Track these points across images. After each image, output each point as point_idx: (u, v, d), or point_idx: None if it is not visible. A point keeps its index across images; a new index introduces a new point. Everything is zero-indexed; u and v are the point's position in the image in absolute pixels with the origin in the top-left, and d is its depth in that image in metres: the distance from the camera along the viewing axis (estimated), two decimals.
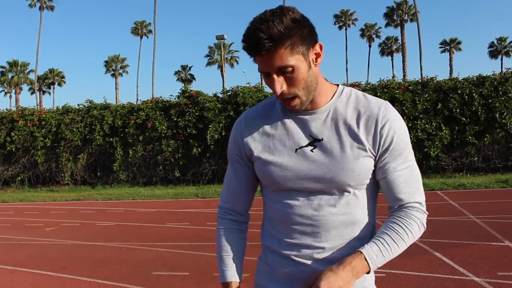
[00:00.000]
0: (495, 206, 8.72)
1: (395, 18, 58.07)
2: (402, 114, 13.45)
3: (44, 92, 70.56)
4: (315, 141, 1.44)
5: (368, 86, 14.62)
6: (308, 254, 1.45)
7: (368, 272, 1.34)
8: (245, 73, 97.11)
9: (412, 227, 1.40)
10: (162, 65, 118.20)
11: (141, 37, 61.52)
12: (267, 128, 1.51)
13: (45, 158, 16.70)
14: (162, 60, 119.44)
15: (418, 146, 13.39)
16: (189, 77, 68.42)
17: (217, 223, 1.68)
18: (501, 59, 64.23)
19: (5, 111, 17.81)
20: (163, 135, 15.34)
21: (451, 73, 56.06)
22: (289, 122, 1.48)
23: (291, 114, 1.48)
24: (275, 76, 1.35)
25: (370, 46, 66.53)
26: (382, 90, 14.00)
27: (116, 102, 18.85)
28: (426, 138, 13.42)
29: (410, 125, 13.37)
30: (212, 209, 10.40)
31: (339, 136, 1.42)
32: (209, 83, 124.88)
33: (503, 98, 13.32)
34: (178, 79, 68.78)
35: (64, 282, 5.40)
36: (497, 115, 13.25)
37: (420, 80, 14.85)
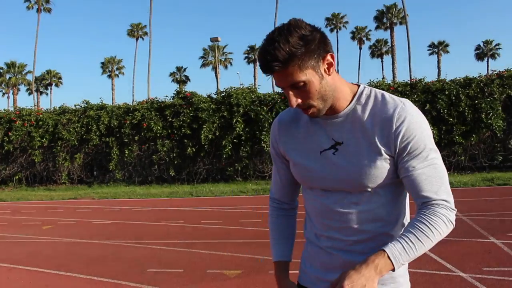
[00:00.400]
0: (481, 204, 8.87)
1: (384, 21, 58.21)
2: None
3: (41, 92, 70.36)
4: (336, 145, 1.50)
5: None
6: (339, 246, 1.54)
7: (393, 270, 1.35)
8: (238, 75, 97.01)
9: (438, 224, 1.39)
10: (158, 66, 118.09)
11: (137, 39, 61.43)
12: (296, 131, 1.60)
13: (42, 158, 16.77)
14: (158, 61, 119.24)
15: None
16: (184, 78, 68.46)
17: (268, 210, 1.85)
18: (487, 61, 64.67)
19: (3, 111, 17.88)
20: (158, 135, 15.44)
21: (439, 74, 56.31)
22: (314, 126, 1.56)
23: (316, 119, 1.55)
24: (289, 91, 1.41)
25: (360, 48, 66.75)
26: None
27: (112, 103, 18.95)
28: None
29: None
30: (206, 208, 10.53)
31: (356, 139, 1.47)
32: (203, 84, 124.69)
33: (488, 99, 13.50)
34: (173, 80, 68.82)
35: (61, 279, 5.48)
36: (483, 115, 13.44)
37: (409, 81, 15.04)
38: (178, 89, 16.60)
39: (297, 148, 1.59)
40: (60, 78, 70.91)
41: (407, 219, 1.58)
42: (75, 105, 17.19)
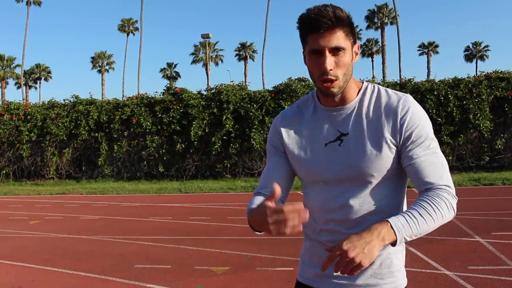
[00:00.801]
0: (468, 203, 8.94)
1: (375, 21, 58.36)
2: None
3: (30, 86, 69.79)
4: (342, 136, 1.54)
5: None
6: (339, 240, 1.50)
7: (395, 242, 1.35)
8: (229, 72, 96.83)
9: (441, 206, 1.42)
10: (148, 62, 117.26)
11: (128, 34, 61.08)
12: (299, 126, 1.63)
13: (30, 152, 16.67)
14: (148, 57, 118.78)
15: None
16: (174, 74, 68.27)
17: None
18: (476, 62, 65.20)
19: None
20: (147, 131, 15.42)
21: (428, 75, 56.56)
22: (319, 118, 1.60)
23: (321, 111, 1.60)
24: (328, 54, 1.45)
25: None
26: None
27: (102, 98, 18.87)
28: None
29: None
30: (194, 204, 10.53)
31: (362, 130, 1.52)
32: (194, 80, 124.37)
33: (476, 100, 13.65)
34: (163, 76, 68.61)
35: (47, 275, 5.46)
36: (471, 116, 13.59)
37: (398, 81, 15.19)
38: (168, 85, 16.59)
39: (301, 142, 1.61)
40: (49, 72, 70.38)
41: None
42: (64, 100, 17.12)
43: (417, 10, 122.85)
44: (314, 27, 1.44)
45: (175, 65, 68.79)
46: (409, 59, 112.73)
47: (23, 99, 21.94)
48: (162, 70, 68.92)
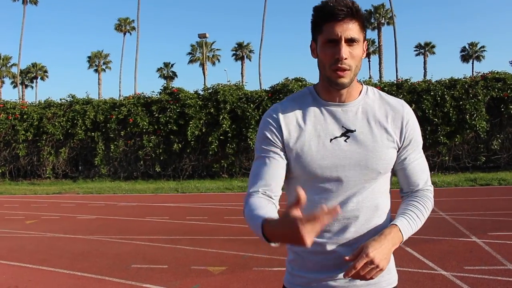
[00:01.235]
0: (464, 203, 8.99)
1: (372, 21, 58.41)
2: None
3: (26, 86, 69.66)
4: (348, 132, 1.54)
5: None
6: (337, 240, 1.53)
7: (401, 242, 1.48)
8: (226, 71, 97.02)
9: (428, 205, 1.60)
10: (145, 62, 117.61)
11: (125, 34, 61.02)
12: (299, 119, 1.58)
13: (27, 152, 16.62)
14: (145, 57, 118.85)
15: None
16: (171, 74, 68.27)
17: (244, 203, 1.58)
18: (472, 63, 65.44)
19: None
20: (144, 130, 15.39)
21: (425, 75, 56.64)
22: (321, 114, 1.57)
23: (322, 106, 1.58)
24: (344, 43, 1.46)
25: None
26: None
27: (99, 97, 18.88)
28: None
29: None
30: (191, 204, 10.53)
31: (371, 128, 1.55)
32: (190, 80, 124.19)
33: (473, 101, 13.67)
34: (160, 76, 68.60)
35: (44, 275, 5.45)
36: (467, 116, 13.60)
37: (395, 81, 15.19)
38: (165, 85, 16.55)
39: (303, 137, 1.55)
40: (45, 71, 70.27)
41: (390, 214, 1.63)
42: (60, 99, 17.08)
43: (413, 11, 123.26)
44: (333, 14, 1.45)
45: (172, 65, 68.91)
46: (405, 60, 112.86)
47: (19, 98, 21.88)
48: (159, 69, 68.97)
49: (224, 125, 14.56)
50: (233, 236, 7.09)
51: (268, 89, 15.35)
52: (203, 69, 57.75)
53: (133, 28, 59.38)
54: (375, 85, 14.54)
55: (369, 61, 66.53)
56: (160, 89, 16.17)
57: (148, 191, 13.04)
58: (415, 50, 65.49)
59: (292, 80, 15.25)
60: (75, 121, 16.05)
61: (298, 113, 1.59)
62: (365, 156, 1.52)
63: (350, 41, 1.47)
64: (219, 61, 68.03)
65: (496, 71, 14.53)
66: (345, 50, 1.45)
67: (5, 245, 7.05)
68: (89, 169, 16.70)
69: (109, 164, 16.24)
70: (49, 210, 10.39)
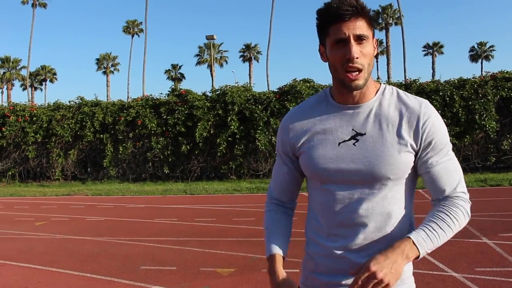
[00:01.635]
0: (474, 204, 8.75)
1: (380, 21, 58.21)
2: None
3: (35, 88, 70.04)
4: (357, 135, 1.49)
5: None
6: (347, 246, 1.50)
7: (418, 257, 1.38)
8: (233, 73, 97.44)
9: (458, 215, 1.45)
10: (153, 63, 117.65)
11: (133, 36, 61.23)
12: (311, 123, 1.57)
13: (36, 154, 16.73)
14: (153, 59, 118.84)
15: None
16: (179, 76, 68.43)
17: (265, 207, 1.78)
18: (481, 62, 64.97)
19: None
20: (152, 132, 15.44)
21: (433, 75, 56.37)
22: (333, 117, 1.54)
23: (334, 109, 1.55)
24: (353, 41, 1.42)
25: None
26: None
27: (107, 99, 18.96)
28: None
29: None
30: (199, 205, 10.53)
31: (382, 131, 1.47)
32: (198, 82, 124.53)
33: (482, 101, 13.60)
34: (168, 78, 68.75)
35: (53, 276, 5.47)
36: (476, 116, 13.54)
37: (403, 82, 15.15)
38: (173, 87, 16.61)
39: (313, 140, 1.55)
40: (54, 73, 70.64)
41: (414, 223, 1.57)
42: (69, 101, 17.19)
43: (421, 11, 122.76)
44: (338, 15, 1.42)
45: (180, 67, 69.01)
46: (414, 60, 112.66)
47: (28, 101, 22.01)
48: (166, 71, 69.11)
49: (232, 127, 14.56)
50: (242, 237, 7.08)
51: (276, 90, 15.34)
52: (211, 70, 57.80)
53: (141, 30, 59.67)
54: None
55: (377, 61, 66.34)
56: (168, 91, 16.26)
57: (157, 193, 13.06)
58: (423, 50, 65.23)
59: (300, 81, 15.23)
60: (84, 123, 16.14)
61: (310, 116, 1.59)
62: (373, 161, 1.46)
63: (360, 39, 1.43)
64: (226, 62, 68.13)
65: (505, 71, 14.44)
66: (355, 49, 1.42)
67: (15, 246, 7.07)
68: (98, 171, 16.77)
69: (118, 165, 16.30)
70: (59, 211, 10.43)
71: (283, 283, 1.53)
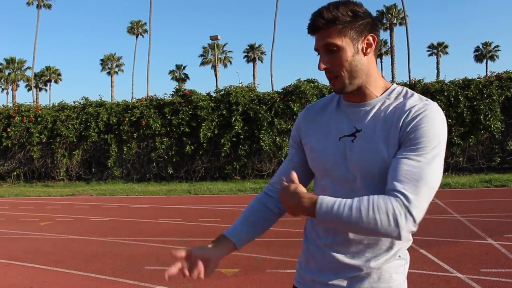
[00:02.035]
0: (479, 205, 8.89)
1: (384, 21, 58.14)
2: None
3: (40, 89, 70.35)
4: (356, 132, 1.51)
5: None
6: (338, 244, 1.52)
7: (314, 217, 1.38)
8: (238, 73, 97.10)
9: (379, 211, 1.30)
10: (157, 64, 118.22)
11: (137, 37, 61.41)
12: (320, 118, 1.63)
13: (41, 154, 16.78)
14: (157, 59, 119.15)
15: None
16: (183, 76, 68.57)
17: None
18: (486, 63, 64.82)
19: (2, 107, 17.90)
20: (157, 132, 15.45)
21: (438, 75, 56.29)
22: (339, 113, 1.58)
23: (342, 107, 1.59)
24: (323, 53, 1.47)
25: None
26: None
27: (111, 100, 19.00)
28: None
29: None
30: (204, 206, 10.53)
31: (375, 129, 1.47)
32: (202, 82, 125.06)
33: (487, 101, 13.54)
34: (172, 78, 68.91)
35: (58, 276, 5.48)
36: (481, 117, 13.47)
37: (408, 82, 15.12)
38: (177, 87, 16.63)
39: (317, 133, 1.61)
40: (59, 74, 70.89)
41: None
42: (74, 102, 17.23)
43: (426, 11, 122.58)
44: (311, 27, 1.47)
45: (184, 67, 69.14)
46: (418, 60, 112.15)
47: (33, 101, 22.08)
48: (171, 72, 69.27)
49: (236, 127, 14.56)
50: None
51: (280, 90, 15.32)
52: (215, 71, 57.93)
53: (145, 31, 59.78)
54: None
55: (381, 61, 66.27)
56: (173, 91, 16.27)
57: (161, 193, 13.08)
58: (427, 50, 65.13)
59: (305, 81, 15.21)
60: (88, 124, 16.17)
61: (321, 112, 1.65)
62: (363, 158, 1.46)
63: (328, 48, 1.46)
64: (231, 63, 68.13)
65: (511, 71, 14.36)
66: (323, 59, 1.47)
67: (19, 246, 7.10)
68: (102, 171, 16.81)
69: (122, 166, 16.32)
70: (63, 212, 10.46)
71: (195, 248, 1.63)
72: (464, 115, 13.54)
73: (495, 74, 14.55)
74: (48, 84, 70.59)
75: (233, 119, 14.63)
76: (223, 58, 66.36)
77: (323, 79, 15.80)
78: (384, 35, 61.33)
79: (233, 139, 14.75)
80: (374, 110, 1.50)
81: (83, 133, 16.27)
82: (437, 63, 64.20)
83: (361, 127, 1.50)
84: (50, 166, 16.97)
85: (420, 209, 1.31)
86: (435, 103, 1.45)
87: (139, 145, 15.91)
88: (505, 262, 5.20)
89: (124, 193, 13.43)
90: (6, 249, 6.91)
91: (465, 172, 13.86)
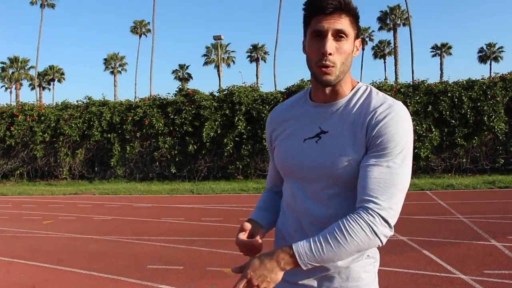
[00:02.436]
0: (482, 206, 8.86)
1: (388, 22, 58.15)
2: None
3: (44, 88, 70.49)
4: (321, 133, 1.48)
5: None
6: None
7: (299, 266, 1.35)
8: (241, 73, 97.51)
9: (356, 233, 1.32)
10: (160, 63, 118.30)
11: (140, 36, 61.49)
12: (287, 119, 1.60)
13: (44, 153, 16.81)
14: (160, 59, 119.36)
15: None
16: (186, 76, 68.64)
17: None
18: (490, 64, 64.74)
19: (5, 106, 17.94)
20: (160, 132, 15.46)
21: (441, 76, 56.11)
22: (305, 114, 1.55)
23: (308, 106, 1.56)
24: (331, 37, 1.40)
25: (363, 49, 66.62)
26: None
27: (115, 99, 19.01)
28: (417, 139, 13.56)
29: None
30: (206, 205, 10.53)
31: (342, 131, 1.45)
32: (206, 82, 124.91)
33: (491, 102, 13.49)
34: (175, 78, 69.01)
35: (61, 274, 5.49)
36: (485, 118, 13.42)
37: (411, 82, 15.08)
38: (180, 87, 16.62)
39: (284, 136, 1.59)
40: (62, 73, 71.06)
41: None
42: (77, 101, 17.25)
43: (429, 11, 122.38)
44: (321, 7, 1.39)
45: (187, 67, 69.23)
46: (422, 61, 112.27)
47: (37, 100, 22.13)
48: (174, 71, 69.38)
49: (239, 127, 14.56)
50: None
51: (283, 90, 15.32)
52: (218, 70, 57.91)
53: (149, 31, 59.92)
54: (391, 87, 14.44)
55: (384, 62, 66.37)
56: (176, 91, 16.26)
57: (164, 192, 13.08)
58: (431, 51, 65.03)
59: (308, 81, 15.18)
60: (91, 123, 16.20)
61: (288, 112, 1.63)
62: (328, 160, 1.45)
63: (338, 36, 1.41)
64: (234, 62, 68.22)
65: None
66: (330, 44, 1.40)
67: (23, 244, 7.11)
68: (105, 170, 16.83)
69: (125, 165, 16.34)
70: (66, 210, 10.47)
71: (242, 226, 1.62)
72: (468, 116, 13.50)
73: (499, 75, 14.48)
74: (52, 83, 70.77)
75: (236, 119, 14.63)
76: (226, 58, 66.42)
77: None
78: (387, 35, 61.45)
79: (236, 138, 14.75)
80: (340, 111, 1.48)
81: (86, 132, 16.29)
82: (441, 64, 64.13)
83: (328, 128, 1.48)
84: (53, 165, 17.00)
85: (393, 214, 1.35)
86: (399, 103, 1.44)
87: (142, 145, 15.93)
88: (509, 264, 5.18)
89: (127, 192, 13.44)
90: (9, 247, 6.92)
91: (469, 173, 13.83)
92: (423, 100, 13.77)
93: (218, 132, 14.90)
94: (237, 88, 15.32)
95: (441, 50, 64.12)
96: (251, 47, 67.40)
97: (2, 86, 65.96)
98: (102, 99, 17.00)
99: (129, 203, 11.30)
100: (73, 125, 16.26)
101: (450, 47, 64.40)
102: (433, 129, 13.60)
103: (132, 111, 15.93)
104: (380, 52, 65.85)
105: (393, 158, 1.36)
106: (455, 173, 13.83)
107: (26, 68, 64.94)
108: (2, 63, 63.98)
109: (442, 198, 9.83)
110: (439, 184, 11.74)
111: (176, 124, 15.30)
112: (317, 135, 1.50)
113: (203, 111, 14.92)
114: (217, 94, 15.73)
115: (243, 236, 1.57)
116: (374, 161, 1.37)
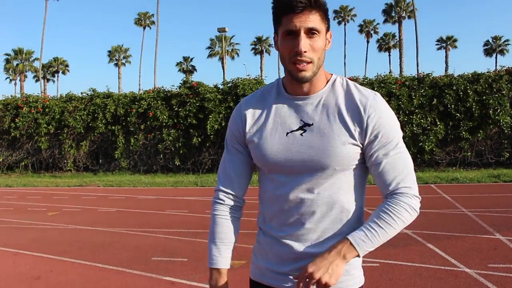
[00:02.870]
0: (487, 200, 8.83)
1: (393, 14, 57.84)
2: (398, 108, 13.58)
3: (48, 80, 70.56)
4: (305, 126, 1.49)
5: (366, 80, 14.75)
6: (294, 235, 1.52)
7: (358, 256, 1.42)
8: (245, 66, 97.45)
9: (401, 213, 1.44)
10: (164, 56, 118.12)
11: (144, 28, 61.41)
12: (261, 112, 1.58)
13: (49, 145, 16.87)
14: (165, 51, 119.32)
15: (413, 140, 13.55)
16: (190, 68, 68.47)
17: (213, 208, 1.71)
18: (496, 57, 64.29)
19: (10, 97, 17.97)
20: (164, 124, 15.48)
21: (446, 69, 55.86)
22: (282, 107, 1.54)
23: (285, 99, 1.55)
24: (304, 35, 1.40)
25: (368, 42, 66.44)
26: (379, 85, 14.14)
27: (119, 91, 19.03)
28: (421, 132, 13.54)
29: (406, 119, 13.55)
30: (210, 198, 10.49)
31: (329, 122, 1.47)
32: (210, 74, 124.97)
33: (497, 95, 13.44)
34: (179, 70, 68.83)
35: (65, 265, 5.51)
36: (490, 111, 13.39)
37: (416, 76, 15.02)
38: (184, 79, 16.61)
39: (262, 129, 1.56)
40: (67, 65, 71.08)
41: (362, 214, 1.57)
42: (81, 93, 17.29)
43: (435, 4, 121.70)
44: (290, 6, 1.39)
45: (191, 59, 69.03)
46: (427, 54, 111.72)
47: (41, 92, 22.19)
48: (178, 64, 69.20)
49: None
50: (252, 230, 7.01)
51: None
52: (222, 63, 57.87)
53: (153, 23, 59.76)
54: (395, 80, 14.40)
55: (389, 55, 66.03)
56: (180, 83, 16.26)
57: (168, 185, 13.11)
58: (436, 44, 64.64)
59: None
60: (95, 115, 16.23)
61: (261, 106, 1.60)
62: (317, 151, 1.46)
63: (311, 33, 1.41)
64: (238, 55, 68.18)
65: None
66: (304, 42, 1.40)
67: (28, 236, 7.14)
68: (109, 162, 16.87)
69: (129, 157, 16.37)
70: (70, 202, 10.51)
71: None
72: (473, 109, 13.45)
73: (505, 68, 14.40)
74: (56, 75, 70.81)
75: None
76: (230, 50, 66.29)
77: (329, 70, 15.73)
78: (392, 28, 61.11)
79: None
80: (321, 103, 1.50)
81: (90, 124, 16.33)
82: (446, 57, 63.76)
83: (311, 121, 1.49)
84: (57, 156, 17.05)
85: (417, 189, 1.51)
86: (378, 94, 1.52)
87: (146, 137, 15.94)
88: None
89: (131, 184, 13.48)
90: (14, 239, 6.95)
91: (473, 167, 13.79)
92: (428, 93, 13.72)
93: (223, 124, 14.89)
94: (241, 80, 15.30)
95: (446, 43, 63.75)
96: (255, 40, 67.27)
97: (6, 78, 66.22)
98: (107, 91, 17.02)
99: (133, 195, 11.33)
100: (77, 117, 16.30)
101: (455, 40, 64.03)
102: (438, 123, 13.55)
103: (136, 103, 15.94)
104: (385, 45, 65.56)
105: (397, 144, 1.48)
106: (460, 167, 13.80)
107: (30, 60, 64.96)
108: (7, 54, 64.05)
109: (447, 192, 9.81)
110: (444, 178, 11.71)
111: (180, 117, 15.30)
112: (301, 128, 1.50)
113: (207, 104, 14.92)
114: (221, 87, 15.72)
115: None
116: (385, 152, 1.47)
